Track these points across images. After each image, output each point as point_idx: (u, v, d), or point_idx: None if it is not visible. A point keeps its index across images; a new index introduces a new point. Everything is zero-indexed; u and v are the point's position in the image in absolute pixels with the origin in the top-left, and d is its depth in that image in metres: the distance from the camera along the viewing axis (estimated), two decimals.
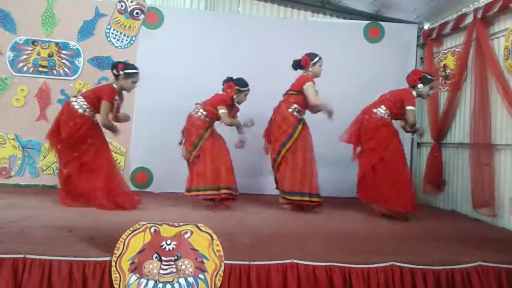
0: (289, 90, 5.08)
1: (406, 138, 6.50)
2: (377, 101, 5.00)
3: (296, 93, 5.00)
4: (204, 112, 4.94)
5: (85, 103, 4.68)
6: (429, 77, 4.91)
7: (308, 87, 4.91)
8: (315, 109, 5.01)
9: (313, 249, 3.31)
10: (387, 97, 4.94)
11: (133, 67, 4.85)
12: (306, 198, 4.91)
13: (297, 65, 5.09)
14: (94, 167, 4.65)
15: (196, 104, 5.00)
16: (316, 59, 5.01)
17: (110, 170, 4.76)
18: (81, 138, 4.66)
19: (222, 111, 4.89)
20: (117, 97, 4.80)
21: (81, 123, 4.65)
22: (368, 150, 4.92)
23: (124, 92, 4.89)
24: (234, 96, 4.99)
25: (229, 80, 5.03)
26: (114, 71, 4.76)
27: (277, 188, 5.17)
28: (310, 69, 5.01)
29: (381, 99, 4.98)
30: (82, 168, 4.66)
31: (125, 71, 4.73)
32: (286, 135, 4.96)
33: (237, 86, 4.98)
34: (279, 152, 4.97)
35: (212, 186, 4.82)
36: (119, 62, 4.82)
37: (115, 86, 4.77)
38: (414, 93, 4.85)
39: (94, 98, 4.68)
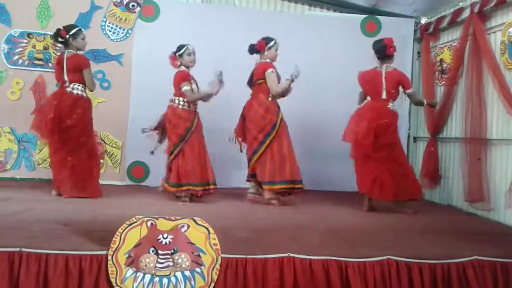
0: (256, 79, 5.00)
1: (402, 133, 6.52)
2: None
3: (264, 80, 4.93)
4: (183, 100, 4.91)
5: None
6: None
7: (268, 75, 4.86)
8: (276, 97, 4.95)
9: (310, 243, 3.32)
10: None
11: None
12: (289, 186, 4.87)
13: (252, 49, 5.05)
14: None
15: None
16: (272, 43, 4.95)
17: None
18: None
19: (185, 88, 4.84)
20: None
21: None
22: None
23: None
24: (179, 63, 4.96)
25: (170, 56, 5.03)
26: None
27: (249, 180, 5.15)
28: (266, 53, 4.95)
29: None
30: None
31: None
32: (271, 124, 4.89)
33: (176, 54, 4.97)
34: (263, 142, 4.89)
35: (201, 182, 4.83)
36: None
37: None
38: None
39: None
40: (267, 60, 4.97)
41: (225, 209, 4.63)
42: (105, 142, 6.05)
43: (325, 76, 6.23)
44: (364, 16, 6.54)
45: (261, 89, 4.96)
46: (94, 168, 4.96)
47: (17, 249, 2.82)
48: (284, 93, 4.94)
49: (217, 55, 6.08)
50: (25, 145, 5.93)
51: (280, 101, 5.07)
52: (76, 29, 4.97)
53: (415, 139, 6.58)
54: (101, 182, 5.79)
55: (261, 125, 4.91)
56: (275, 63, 5.04)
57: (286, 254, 3.04)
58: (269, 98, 4.93)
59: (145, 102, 5.91)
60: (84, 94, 4.91)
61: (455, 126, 5.63)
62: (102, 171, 6.01)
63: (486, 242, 3.61)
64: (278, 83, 4.94)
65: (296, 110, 5.72)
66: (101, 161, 5.90)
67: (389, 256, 3.13)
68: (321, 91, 6.17)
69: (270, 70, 4.88)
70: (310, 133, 6.24)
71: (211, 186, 4.87)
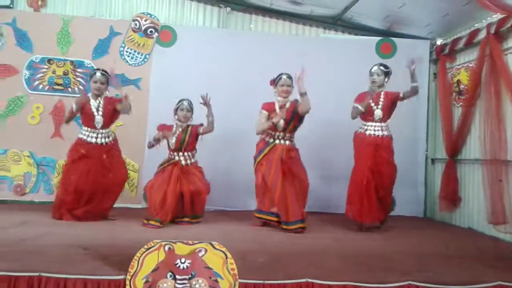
0: None
1: (420, 154, 6.47)
2: None
3: None
4: None
5: None
6: None
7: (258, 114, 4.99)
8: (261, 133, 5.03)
9: (329, 268, 3.27)
10: None
11: None
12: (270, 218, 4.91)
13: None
14: None
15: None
16: (277, 79, 4.98)
17: None
18: None
19: None
20: None
21: None
22: None
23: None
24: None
25: None
26: None
27: None
28: (275, 90, 4.99)
29: None
30: None
31: None
32: (254, 159, 5.01)
33: None
34: None
35: None
36: None
37: None
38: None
39: None
40: (272, 101, 4.99)
41: (241, 232, 4.60)
42: None
43: (341, 98, 6.21)
44: (379, 38, 6.56)
45: None
46: None
47: (37, 274, 2.84)
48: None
49: (233, 79, 6.14)
50: (44, 168, 6.02)
51: None
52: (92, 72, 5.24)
53: (433, 160, 6.50)
54: (118, 205, 5.82)
55: None
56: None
57: (305, 280, 3.01)
58: (263, 136, 5.01)
59: None
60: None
61: (473, 147, 5.55)
62: None
63: (510, 267, 3.52)
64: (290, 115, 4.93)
65: (312, 133, 5.72)
66: None
67: (409, 282, 3.07)
68: (338, 113, 6.15)
69: (260, 110, 4.98)
70: (325, 155, 6.22)
71: None
